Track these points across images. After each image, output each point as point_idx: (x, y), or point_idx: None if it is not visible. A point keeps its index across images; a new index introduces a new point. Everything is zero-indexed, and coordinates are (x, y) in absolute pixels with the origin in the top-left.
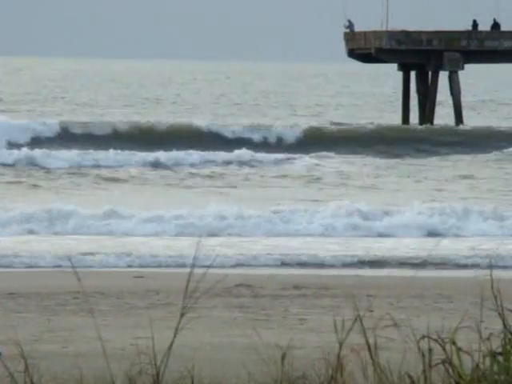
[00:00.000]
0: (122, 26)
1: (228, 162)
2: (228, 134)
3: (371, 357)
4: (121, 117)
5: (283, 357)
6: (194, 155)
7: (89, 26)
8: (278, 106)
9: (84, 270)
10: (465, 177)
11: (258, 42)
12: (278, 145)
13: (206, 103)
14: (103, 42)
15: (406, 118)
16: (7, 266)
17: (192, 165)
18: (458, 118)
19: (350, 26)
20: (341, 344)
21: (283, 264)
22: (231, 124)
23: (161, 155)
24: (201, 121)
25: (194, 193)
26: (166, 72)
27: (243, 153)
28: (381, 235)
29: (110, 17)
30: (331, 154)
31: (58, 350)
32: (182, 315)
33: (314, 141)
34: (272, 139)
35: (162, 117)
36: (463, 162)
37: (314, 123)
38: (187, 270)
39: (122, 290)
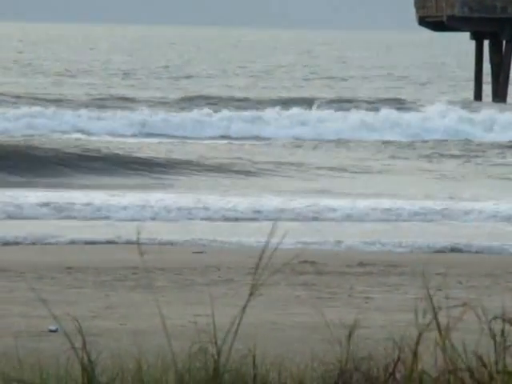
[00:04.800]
0: None
1: None
2: None
3: (441, 338)
4: None
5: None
6: None
7: None
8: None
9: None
10: None
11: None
12: None
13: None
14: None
15: (478, 93)
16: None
17: None
18: None
19: None
20: (420, 334)
21: None
22: None
23: None
24: None
25: None
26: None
27: None
28: None
29: None
30: None
31: (116, 327)
32: (250, 294)
33: None
34: None
35: None
36: None
37: None
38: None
39: (182, 266)
